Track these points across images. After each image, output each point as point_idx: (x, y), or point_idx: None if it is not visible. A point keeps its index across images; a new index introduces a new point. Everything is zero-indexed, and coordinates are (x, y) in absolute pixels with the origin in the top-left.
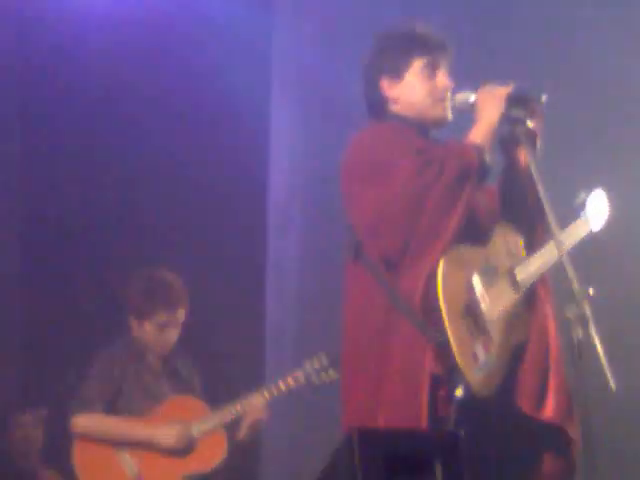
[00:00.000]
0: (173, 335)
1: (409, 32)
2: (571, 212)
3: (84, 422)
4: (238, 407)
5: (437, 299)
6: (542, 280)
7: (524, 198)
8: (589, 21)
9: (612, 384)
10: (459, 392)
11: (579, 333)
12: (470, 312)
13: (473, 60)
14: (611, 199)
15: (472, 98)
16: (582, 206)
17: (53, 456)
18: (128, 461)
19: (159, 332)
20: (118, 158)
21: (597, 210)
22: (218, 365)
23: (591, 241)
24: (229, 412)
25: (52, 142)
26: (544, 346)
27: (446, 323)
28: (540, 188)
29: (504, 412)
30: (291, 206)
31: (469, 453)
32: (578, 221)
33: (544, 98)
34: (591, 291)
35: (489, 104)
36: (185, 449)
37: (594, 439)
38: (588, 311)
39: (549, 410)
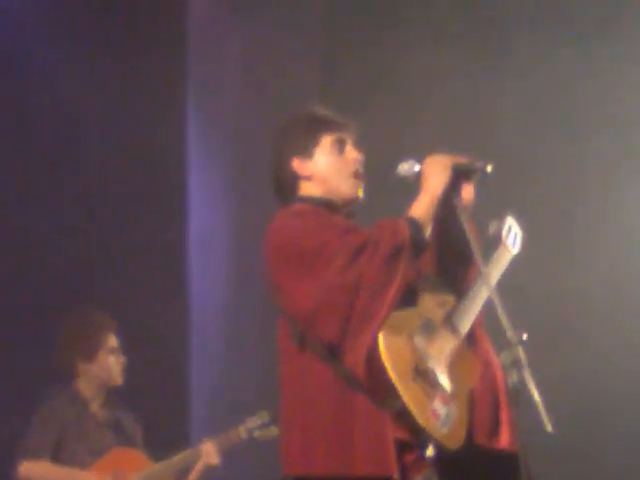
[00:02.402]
0: (123, 361)
1: (313, 114)
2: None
3: (30, 469)
4: (190, 455)
5: (384, 369)
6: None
7: (455, 245)
8: None
9: (549, 426)
10: (430, 452)
11: (514, 378)
12: (419, 372)
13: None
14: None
15: (417, 167)
16: (497, 235)
17: None
18: None
19: (115, 357)
20: None
21: (512, 235)
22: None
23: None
24: (181, 460)
25: None
26: (491, 379)
27: (398, 389)
28: (469, 232)
29: (468, 454)
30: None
31: None
32: (498, 250)
33: (490, 168)
34: (524, 336)
35: (435, 174)
36: None
37: None
38: (522, 356)
39: (504, 439)
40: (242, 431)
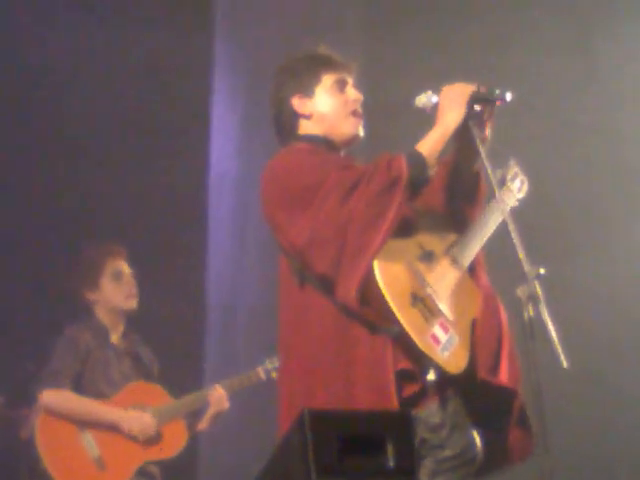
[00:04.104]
0: (130, 283)
1: (315, 53)
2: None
3: (52, 397)
4: (203, 397)
5: (380, 293)
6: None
7: (465, 179)
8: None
9: (564, 361)
10: (431, 376)
11: (530, 312)
12: (418, 298)
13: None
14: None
15: (434, 99)
16: (502, 180)
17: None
18: (90, 441)
19: (117, 283)
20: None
21: (518, 180)
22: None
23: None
24: (194, 401)
25: None
26: (492, 314)
27: (396, 313)
28: (486, 163)
29: (469, 384)
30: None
31: None
32: (502, 192)
33: (510, 96)
34: (542, 270)
35: (451, 107)
36: (148, 439)
37: (545, 416)
38: (539, 290)
39: (503, 374)
40: (260, 372)
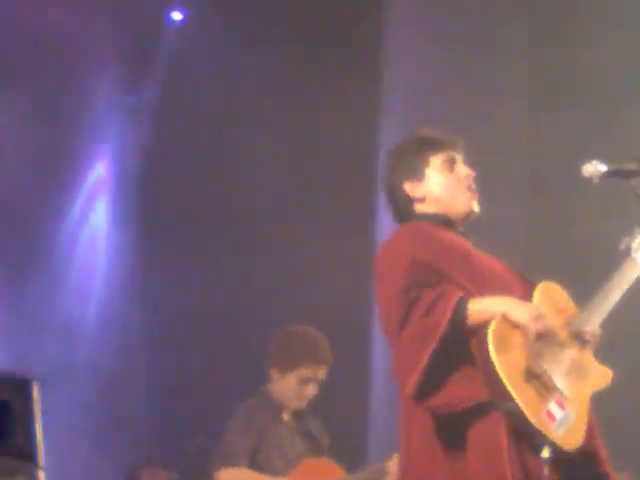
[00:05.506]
0: (312, 391)
1: (421, 136)
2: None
3: (229, 475)
4: (382, 469)
5: (494, 371)
6: None
7: None
8: None
9: None
10: (546, 453)
11: None
12: (533, 374)
13: None
14: None
15: (602, 168)
16: (627, 250)
17: None
18: None
19: (300, 386)
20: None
21: None
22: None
23: None
24: (373, 473)
25: None
26: None
27: (510, 390)
28: None
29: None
30: None
31: None
32: (625, 263)
33: None
34: None
35: (524, 308)
36: None
37: None
38: None
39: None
40: None
